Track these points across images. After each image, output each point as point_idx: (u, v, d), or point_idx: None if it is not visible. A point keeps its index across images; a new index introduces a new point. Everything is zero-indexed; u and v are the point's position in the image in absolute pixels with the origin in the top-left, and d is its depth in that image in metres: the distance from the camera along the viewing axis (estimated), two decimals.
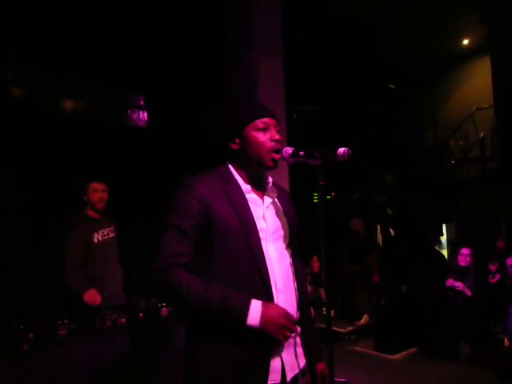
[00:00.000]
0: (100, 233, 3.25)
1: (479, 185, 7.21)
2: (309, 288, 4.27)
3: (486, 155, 7.75)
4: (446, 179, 7.85)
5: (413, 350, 4.77)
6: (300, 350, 1.48)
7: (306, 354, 1.50)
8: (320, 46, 6.38)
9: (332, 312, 5.79)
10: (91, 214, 3.27)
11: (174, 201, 1.42)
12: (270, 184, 1.54)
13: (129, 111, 4.60)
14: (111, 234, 3.32)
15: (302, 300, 1.51)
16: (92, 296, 2.99)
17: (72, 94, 4.21)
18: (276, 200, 1.53)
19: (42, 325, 2.31)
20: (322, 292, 5.33)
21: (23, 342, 2.14)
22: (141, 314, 2.69)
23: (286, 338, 1.32)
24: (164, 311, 2.80)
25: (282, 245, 1.49)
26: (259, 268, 1.37)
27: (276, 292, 1.39)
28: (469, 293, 4.55)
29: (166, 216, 1.41)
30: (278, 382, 1.38)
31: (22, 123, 3.84)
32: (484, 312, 4.47)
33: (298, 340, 1.48)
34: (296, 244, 1.57)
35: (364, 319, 5.75)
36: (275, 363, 1.38)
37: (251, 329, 1.29)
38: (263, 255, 1.38)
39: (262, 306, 1.30)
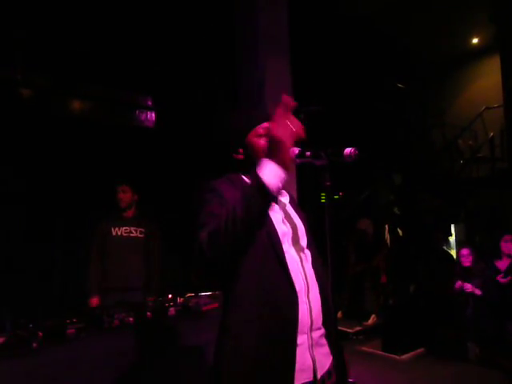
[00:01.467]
0: (122, 229, 3.50)
1: (488, 185, 7.14)
2: None
3: (495, 155, 7.68)
4: (454, 179, 7.79)
5: (421, 350, 4.75)
6: (327, 350, 1.48)
7: (333, 355, 1.51)
8: (327, 46, 6.36)
9: (339, 312, 5.78)
10: (120, 212, 3.56)
11: (203, 199, 1.39)
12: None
13: (137, 112, 4.63)
14: (136, 234, 3.53)
15: (326, 301, 1.52)
16: (95, 303, 3.32)
17: (80, 95, 4.25)
18: (289, 204, 1.55)
19: (51, 323, 2.33)
20: None
21: (32, 341, 2.16)
22: (149, 314, 2.71)
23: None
24: (172, 310, 2.81)
25: (302, 247, 1.50)
26: (284, 268, 1.37)
27: (304, 290, 1.41)
28: (479, 292, 4.52)
29: (198, 213, 1.37)
30: (311, 380, 1.38)
31: (30, 124, 3.88)
32: (497, 311, 4.43)
33: (324, 340, 1.48)
34: (314, 245, 1.58)
35: (371, 319, 5.73)
36: (306, 362, 1.38)
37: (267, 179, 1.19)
38: (285, 256, 1.39)
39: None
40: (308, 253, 1.52)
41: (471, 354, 4.39)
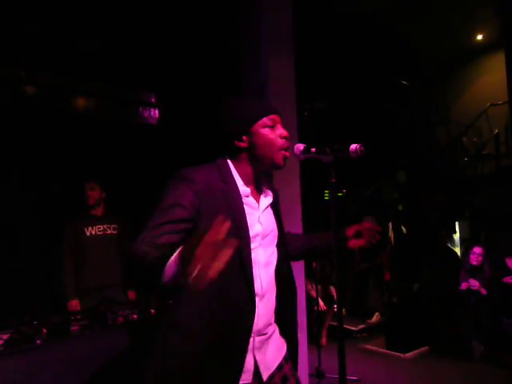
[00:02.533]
0: (95, 228, 3.47)
1: (493, 182, 7.11)
2: (318, 286, 4.24)
3: (500, 152, 7.65)
4: (459, 176, 7.76)
5: (425, 348, 4.73)
6: (277, 345, 1.49)
7: (288, 349, 1.52)
8: (331, 43, 6.34)
9: (343, 310, 5.77)
10: (89, 210, 3.52)
11: (169, 190, 1.37)
12: (267, 184, 1.54)
13: (140, 108, 4.63)
14: (110, 231, 3.52)
15: (284, 301, 1.52)
16: (74, 306, 3.29)
17: (84, 92, 4.25)
18: (271, 202, 1.53)
19: (55, 320, 2.34)
20: (333, 290, 5.31)
21: (36, 337, 2.16)
22: (153, 311, 2.70)
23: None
24: None
25: (272, 248, 1.50)
26: (245, 273, 1.36)
27: (257, 295, 1.39)
28: (484, 291, 4.48)
29: (158, 203, 1.35)
30: (250, 382, 1.37)
31: (34, 121, 3.89)
32: (497, 310, 4.41)
33: (274, 337, 1.49)
34: (285, 244, 1.57)
35: (375, 317, 5.72)
36: (248, 363, 1.37)
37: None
38: (251, 260, 1.37)
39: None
40: (278, 253, 1.52)
41: (476, 352, 4.37)
